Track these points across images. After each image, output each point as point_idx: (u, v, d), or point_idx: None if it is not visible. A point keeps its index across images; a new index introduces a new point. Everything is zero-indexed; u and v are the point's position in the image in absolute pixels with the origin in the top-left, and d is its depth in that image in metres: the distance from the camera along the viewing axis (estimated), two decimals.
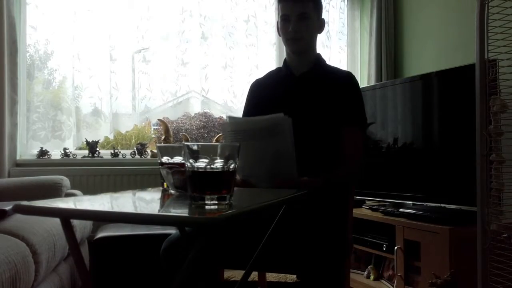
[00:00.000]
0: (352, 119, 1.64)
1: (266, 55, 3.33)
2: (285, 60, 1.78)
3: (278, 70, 1.84)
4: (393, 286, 2.39)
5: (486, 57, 1.69)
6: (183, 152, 0.94)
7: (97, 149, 3.05)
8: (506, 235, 1.66)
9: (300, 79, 1.71)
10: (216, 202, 0.84)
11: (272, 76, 1.82)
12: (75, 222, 2.09)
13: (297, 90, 1.70)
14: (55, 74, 3.04)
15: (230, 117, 1.51)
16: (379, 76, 3.35)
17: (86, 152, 3.04)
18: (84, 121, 3.04)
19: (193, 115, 3.60)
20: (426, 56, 3.12)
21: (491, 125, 1.69)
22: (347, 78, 1.70)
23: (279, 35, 1.72)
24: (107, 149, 3.31)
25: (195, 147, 0.85)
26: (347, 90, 1.67)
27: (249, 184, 1.44)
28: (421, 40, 3.18)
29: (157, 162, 1.17)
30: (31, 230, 1.75)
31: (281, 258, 1.43)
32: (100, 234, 2.34)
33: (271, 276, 2.20)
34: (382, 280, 2.53)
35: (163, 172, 1.12)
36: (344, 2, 3.54)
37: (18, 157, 2.87)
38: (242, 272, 1.24)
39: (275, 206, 1.10)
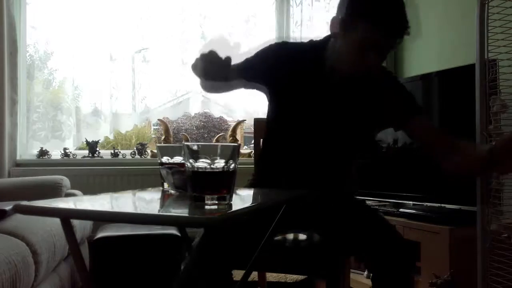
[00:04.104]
0: (415, 109, 1.51)
1: None
2: None
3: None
4: None
5: (486, 57, 1.69)
6: (183, 152, 0.94)
7: (97, 149, 3.05)
8: (506, 235, 1.65)
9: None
10: (216, 202, 0.84)
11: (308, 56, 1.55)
12: (75, 222, 2.08)
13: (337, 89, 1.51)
14: (55, 74, 3.05)
15: None
16: None
17: (86, 152, 3.04)
18: (84, 121, 3.04)
19: (193, 115, 3.60)
20: (426, 56, 3.11)
21: (491, 125, 1.69)
22: (388, 75, 1.56)
23: (334, 31, 1.42)
24: (107, 149, 3.31)
25: (195, 147, 0.85)
26: (394, 88, 1.53)
27: None
28: (421, 40, 3.18)
29: (157, 162, 1.16)
30: (31, 230, 1.75)
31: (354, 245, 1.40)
32: (100, 234, 2.34)
33: (271, 276, 2.20)
34: None
35: (163, 172, 1.12)
36: None
37: (18, 157, 2.87)
38: (242, 272, 1.24)
39: (275, 206, 1.10)
